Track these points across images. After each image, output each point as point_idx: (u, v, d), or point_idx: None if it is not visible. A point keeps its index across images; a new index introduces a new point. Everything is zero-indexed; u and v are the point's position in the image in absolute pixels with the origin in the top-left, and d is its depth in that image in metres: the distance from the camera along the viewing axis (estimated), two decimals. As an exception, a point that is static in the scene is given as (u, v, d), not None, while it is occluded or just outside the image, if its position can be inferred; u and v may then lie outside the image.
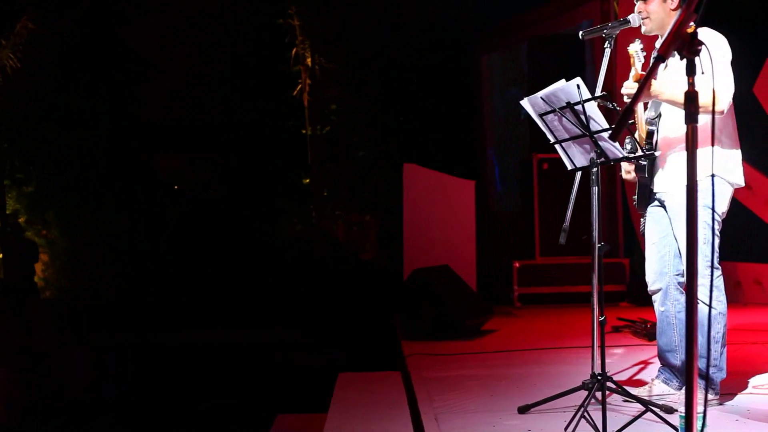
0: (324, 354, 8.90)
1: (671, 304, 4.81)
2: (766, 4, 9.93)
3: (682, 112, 4.49)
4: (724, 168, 4.57)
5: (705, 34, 4.48)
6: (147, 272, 16.67)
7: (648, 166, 4.74)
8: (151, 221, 17.79)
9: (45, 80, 16.73)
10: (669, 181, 4.69)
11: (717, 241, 4.59)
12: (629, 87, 4.56)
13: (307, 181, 17.19)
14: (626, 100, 4.58)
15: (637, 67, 4.54)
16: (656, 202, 4.82)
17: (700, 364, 4.52)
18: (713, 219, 4.52)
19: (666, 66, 4.62)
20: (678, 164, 4.62)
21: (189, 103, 18.37)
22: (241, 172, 18.31)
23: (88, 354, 8.96)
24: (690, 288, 2.59)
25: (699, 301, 4.37)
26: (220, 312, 14.62)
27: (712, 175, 4.47)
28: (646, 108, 4.79)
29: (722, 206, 4.62)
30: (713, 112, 3.47)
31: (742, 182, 4.67)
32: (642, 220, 4.93)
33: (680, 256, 4.72)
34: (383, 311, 9.86)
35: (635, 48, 4.56)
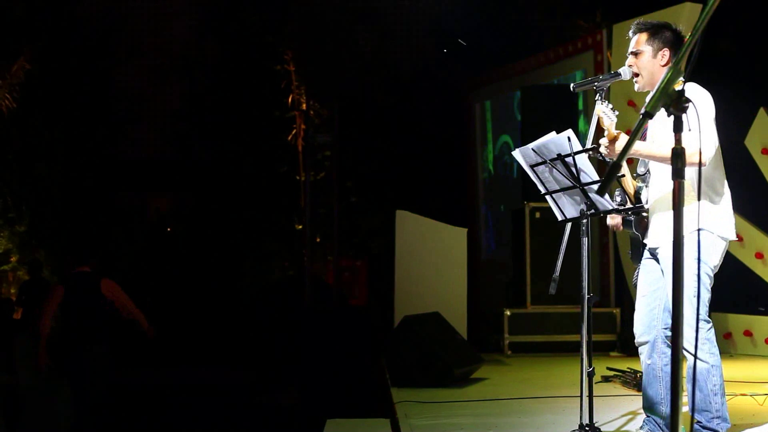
0: (312, 399, 8.84)
1: (658, 357, 4.80)
2: (756, 57, 10.04)
3: (669, 169, 4.56)
4: (712, 222, 4.55)
5: (690, 89, 4.52)
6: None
7: (635, 222, 4.76)
8: (141, 262, 17.75)
9: (37, 119, 16.80)
10: (661, 236, 4.70)
11: (708, 295, 4.57)
12: (605, 145, 4.56)
13: (300, 227, 17.20)
14: (601, 158, 4.62)
15: (609, 126, 4.53)
16: (649, 255, 4.83)
17: (703, 417, 4.54)
18: (699, 271, 4.46)
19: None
20: (666, 219, 4.64)
21: (180, 144, 18.42)
22: (232, 215, 18.29)
23: (71, 393, 8.93)
24: (675, 341, 2.60)
25: (689, 354, 4.37)
26: (204, 352, 14.56)
27: (699, 229, 4.42)
28: (630, 163, 4.82)
29: (713, 260, 4.59)
30: (700, 165, 3.49)
31: (732, 236, 4.66)
32: (635, 271, 4.95)
33: (669, 310, 4.72)
34: (372, 357, 9.82)
35: (602, 109, 4.57)
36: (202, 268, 17.62)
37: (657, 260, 4.77)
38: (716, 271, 4.64)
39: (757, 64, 10.10)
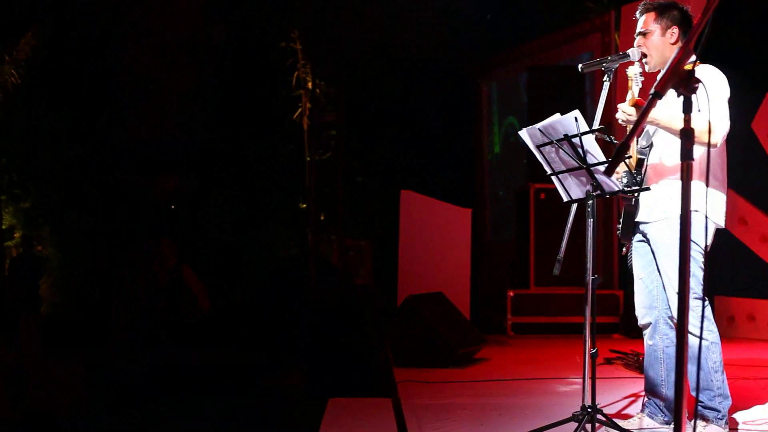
0: (315, 378, 8.86)
1: (660, 338, 4.79)
2: (764, 40, 9.99)
3: (673, 145, 4.53)
4: (705, 206, 4.48)
5: (705, 70, 4.48)
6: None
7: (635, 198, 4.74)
8: (146, 240, 17.75)
9: (43, 99, 16.80)
10: (650, 212, 4.68)
11: (702, 274, 4.56)
12: (625, 111, 4.53)
13: (305, 205, 17.19)
14: (622, 123, 4.57)
15: (634, 91, 4.52)
16: (640, 236, 4.80)
17: (705, 397, 4.54)
18: (689, 250, 4.38)
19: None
20: (661, 196, 4.61)
21: (185, 124, 18.37)
22: (236, 194, 18.27)
23: (76, 371, 8.96)
24: (681, 322, 2.59)
25: (691, 334, 4.37)
26: (209, 332, 14.56)
27: (693, 211, 4.34)
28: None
29: (703, 241, 4.54)
30: (709, 145, 3.48)
31: (722, 224, 4.63)
32: (627, 251, 4.92)
33: (665, 289, 4.69)
34: (376, 337, 9.83)
35: (634, 71, 4.56)
36: (206, 249, 17.63)
37: (647, 241, 4.75)
38: (707, 251, 4.60)
39: (765, 48, 10.05)
